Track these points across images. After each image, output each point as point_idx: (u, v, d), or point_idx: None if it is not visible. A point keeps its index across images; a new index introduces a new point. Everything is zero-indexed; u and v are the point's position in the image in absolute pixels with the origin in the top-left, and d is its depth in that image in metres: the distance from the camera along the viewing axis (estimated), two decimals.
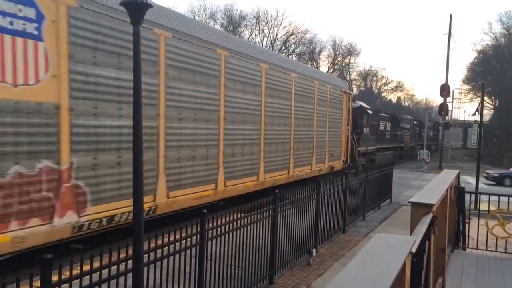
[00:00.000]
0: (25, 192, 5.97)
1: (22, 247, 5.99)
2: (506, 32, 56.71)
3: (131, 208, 4.27)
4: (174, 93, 8.72)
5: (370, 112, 26.87)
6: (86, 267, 3.68)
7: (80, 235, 7.00)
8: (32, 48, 6.07)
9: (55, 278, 3.37)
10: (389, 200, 15.76)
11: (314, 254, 8.24)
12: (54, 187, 6.36)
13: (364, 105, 25.96)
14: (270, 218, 6.93)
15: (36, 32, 6.11)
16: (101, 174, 7.11)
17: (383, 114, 33.24)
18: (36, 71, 6.14)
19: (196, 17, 51.18)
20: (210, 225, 5.40)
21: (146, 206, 7.75)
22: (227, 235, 5.74)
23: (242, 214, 6.13)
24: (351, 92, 22.07)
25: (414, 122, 46.88)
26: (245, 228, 6.19)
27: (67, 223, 6.56)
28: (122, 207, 7.43)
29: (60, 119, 6.45)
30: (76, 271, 3.58)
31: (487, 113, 55.92)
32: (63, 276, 3.44)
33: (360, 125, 23.82)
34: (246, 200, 8.11)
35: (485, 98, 42.35)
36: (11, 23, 5.78)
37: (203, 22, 45.72)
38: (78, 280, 3.59)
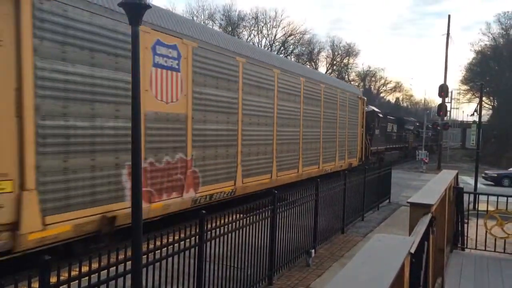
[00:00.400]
0: (170, 174, 8.93)
1: (167, 212, 8.91)
2: (505, 32, 56.90)
3: (223, 189, 9.77)
4: (246, 104, 11.72)
5: (380, 115, 30.30)
6: (85, 269, 3.67)
7: (195, 207, 9.64)
8: (175, 77, 9.09)
9: (53, 279, 3.36)
10: (388, 200, 15.77)
11: (313, 254, 8.23)
12: (184, 172, 9.37)
13: (376, 109, 30.02)
14: (269, 219, 6.93)
15: (176, 66, 9.12)
16: (206, 164, 10.15)
17: (390, 117, 36.12)
18: (176, 92, 9.13)
19: (195, 18, 51.20)
20: (209, 226, 5.40)
21: (229, 189, 11.06)
22: (226, 236, 5.74)
23: (241, 215, 6.13)
24: (365, 98, 24.42)
25: (417, 124, 48.17)
26: (244, 229, 6.19)
27: (189, 197, 9.53)
28: (218, 188, 10.56)
29: (187, 125, 9.48)
30: (74, 273, 3.57)
31: (486, 114, 56.07)
32: (61, 278, 3.43)
33: (372, 127, 27.10)
34: (291, 188, 11.91)
35: (484, 98, 42.40)
36: (165, 61, 8.81)
37: (202, 23, 45.70)
38: (77, 281, 3.59)
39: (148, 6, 3.96)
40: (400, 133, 39.11)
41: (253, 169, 12.14)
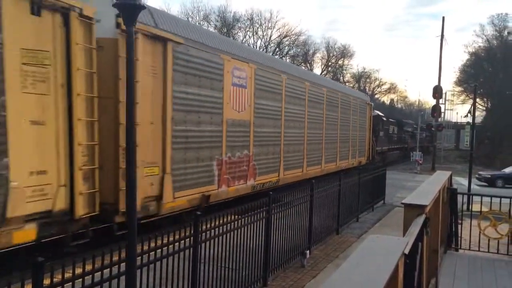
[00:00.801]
0: (240, 166, 11.99)
1: (237, 194, 11.93)
2: (498, 34, 57.23)
3: (271, 179, 13.76)
4: (287, 112, 14.90)
5: (384, 119, 34.07)
6: (79, 270, 3.65)
7: (253, 192, 12.83)
8: (244, 92, 12.15)
9: (47, 281, 3.34)
10: (382, 201, 15.82)
11: (308, 255, 8.24)
12: (247, 165, 12.44)
13: (380, 113, 34.21)
14: (264, 220, 6.93)
15: (245, 84, 12.20)
16: (261, 159, 13.25)
17: (391, 120, 39.45)
18: (244, 104, 12.19)
19: (190, 19, 51.10)
20: (204, 227, 5.39)
21: (275, 179, 14.30)
22: (220, 237, 5.73)
23: (236, 216, 6.13)
24: (372, 104, 28.27)
25: (414, 126, 49.04)
26: (239, 230, 6.18)
27: (250, 184, 12.69)
28: (268, 178, 13.77)
29: (250, 128, 12.52)
30: (68, 274, 3.55)
31: (479, 115, 56.34)
32: (55, 279, 3.41)
33: (377, 129, 30.23)
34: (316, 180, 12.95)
35: (477, 99, 42.67)
36: (238, 81, 11.86)
37: (197, 24, 45.65)
38: (71, 283, 3.57)
39: (143, 7, 3.96)
40: (400, 135, 41.82)
41: (290, 164, 15.35)
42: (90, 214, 7.35)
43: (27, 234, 6.39)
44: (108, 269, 3.99)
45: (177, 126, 9.38)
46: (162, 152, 8.96)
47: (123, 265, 4.04)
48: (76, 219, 7.02)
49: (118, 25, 7.70)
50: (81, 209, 7.06)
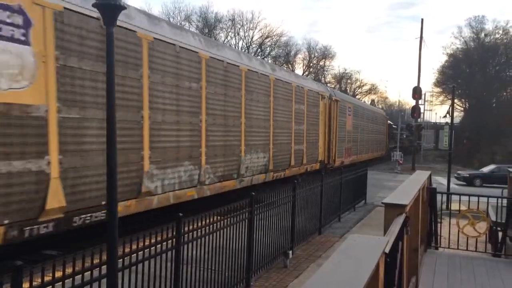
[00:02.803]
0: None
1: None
2: (475, 36, 58.32)
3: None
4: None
5: (393, 126, 47.64)
6: (59, 274, 3.60)
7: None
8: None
9: (26, 285, 3.29)
10: (364, 201, 15.98)
11: (290, 256, 8.27)
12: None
13: (390, 122, 46.49)
14: (246, 221, 6.93)
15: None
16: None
17: (393, 125, 49.27)
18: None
19: (171, 19, 50.78)
20: (186, 228, 5.37)
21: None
22: (203, 239, 5.71)
23: (218, 217, 6.12)
24: (388, 117, 42.20)
25: (394, 126, 50.28)
26: (222, 231, 6.17)
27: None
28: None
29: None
30: (48, 278, 3.50)
31: (458, 115, 57.41)
32: (34, 283, 3.36)
33: (388, 133, 42.31)
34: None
35: (456, 100, 43.35)
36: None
37: (178, 24, 45.39)
38: (50, 286, 3.51)
39: (123, 7, 3.93)
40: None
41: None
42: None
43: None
44: (89, 271, 3.94)
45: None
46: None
47: (104, 267, 3.99)
48: None
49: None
50: None
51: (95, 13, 6.90)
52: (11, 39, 6.04)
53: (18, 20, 6.14)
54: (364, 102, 59.65)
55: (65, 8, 6.87)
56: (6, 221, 5.92)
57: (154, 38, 9.04)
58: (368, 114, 32.70)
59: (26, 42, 6.26)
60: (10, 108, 6.01)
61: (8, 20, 5.98)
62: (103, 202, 7.40)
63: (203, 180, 10.76)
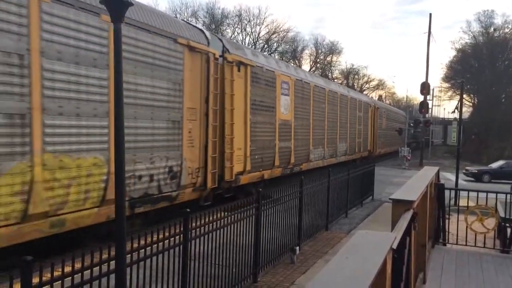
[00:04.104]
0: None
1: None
2: (484, 30, 57.79)
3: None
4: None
5: (411, 124, 49.65)
6: (68, 269, 3.63)
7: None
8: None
9: (36, 280, 3.32)
10: (371, 197, 15.93)
11: (297, 252, 8.28)
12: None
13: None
14: (253, 217, 6.94)
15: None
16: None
17: None
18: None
19: (178, 16, 50.80)
20: (194, 224, 5.39)
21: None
22: (210, 234, 5.74)
23: (226, 213, 6.13)
24: (406, 116, 48.03)
25: (409, 122, 51.30)
26: (229, 227, 6.19)
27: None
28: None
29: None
30: (57, 273, 3.53)
31: (466, 111, 56.93)
32: (44, 278, 3.39)
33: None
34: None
35: (464, 96, 43.04)
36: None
37: (185, 20, 45.42)
38: (60, 282, 3.55)
39: (130, 4, 3.94)
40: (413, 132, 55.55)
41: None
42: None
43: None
44: (98, 267, 3.98)
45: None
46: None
47: (112, 263, 4.02)
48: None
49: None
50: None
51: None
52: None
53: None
54: (390, 104, 64.56)
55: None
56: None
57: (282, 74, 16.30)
58: (394, 116, 43.22)
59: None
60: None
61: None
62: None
63: (327, 156, 21.81)
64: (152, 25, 9.21)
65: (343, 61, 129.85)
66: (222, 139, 11.96)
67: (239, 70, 12.76)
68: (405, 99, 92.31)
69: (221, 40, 12.61)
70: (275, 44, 59.24)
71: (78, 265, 3.74)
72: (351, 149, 25.97)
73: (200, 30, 11.73)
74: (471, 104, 61.11)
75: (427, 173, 8.02)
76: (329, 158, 21.81)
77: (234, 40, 44.18)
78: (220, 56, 11.88)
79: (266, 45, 57.47)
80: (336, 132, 22.86)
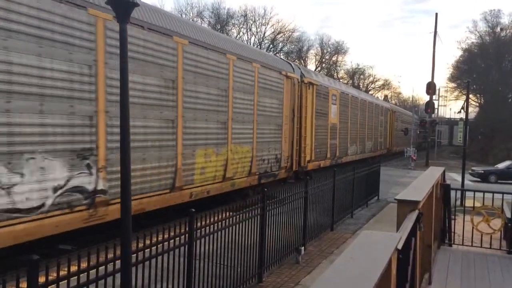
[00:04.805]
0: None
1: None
2: (491, 30, 57.48)
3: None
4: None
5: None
6: (74, 268, 3.65)
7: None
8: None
9: (42, 279, 3.34)
10: (376, 197, 15.89)
11: (302, 252, 8.27)
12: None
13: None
14: (258, 217, 6.95)
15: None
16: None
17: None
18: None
19: (183, 16, 50.91)
20: (199, 224, 5.40)
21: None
22: (215, 234, 5.75)
23: (231, 213, 6.14)
24: (416, 116, 51.13)
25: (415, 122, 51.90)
26: (234, 227, 6.20)
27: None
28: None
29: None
30: (63, 272, 3.55)
31: (473, 111, 56.62)
32: (50, 277, 3.41)
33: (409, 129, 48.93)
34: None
35: (470, 96, 42.84)
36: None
37: (191, 20, 45.50)
38: (66, 281, 3.57)
39: (136, 4, 3.95)
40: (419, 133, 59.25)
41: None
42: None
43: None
44: (103, 266, 4.00)
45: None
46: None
47: (118, 262, 4.04)
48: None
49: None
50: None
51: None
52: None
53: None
54: (400, 107, 65.89)
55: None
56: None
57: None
58: (406, 118, 47.78)
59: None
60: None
61: None
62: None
63: (359, 152, 26.94)
64: (271, 64, 14.86)
65: (348, 61, 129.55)
66: (299, 137, 16.89)
67: (309, 88, 17.58)
68: (411, 99, 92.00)
69: (299, 68, 18.04)
70: (280, 44, 59.30)
71: (84, 265, 3.76)
72: (375, 147, 31.64)
73: (288, 62, 17.56)
74: (477, 104, 60.79)
75: (433, 173, 7.98)
76: (360, 153, 27.12)
77: (240, 40, 44.18)
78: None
79: (271, 45, 57.49)
80: (365, 133, 28.15)
